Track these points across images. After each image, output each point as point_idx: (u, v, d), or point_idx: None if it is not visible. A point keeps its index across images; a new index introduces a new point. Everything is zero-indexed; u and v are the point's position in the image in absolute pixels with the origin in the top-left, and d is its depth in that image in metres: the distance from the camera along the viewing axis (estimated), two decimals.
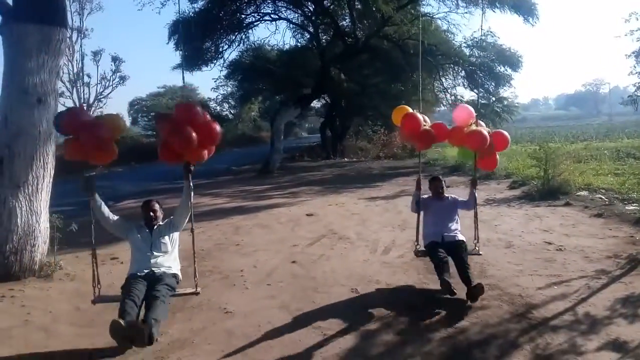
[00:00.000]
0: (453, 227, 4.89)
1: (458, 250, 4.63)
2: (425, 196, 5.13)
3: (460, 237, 4.85)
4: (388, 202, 10.25)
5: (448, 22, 21.44)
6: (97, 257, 4.32)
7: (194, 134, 3.81)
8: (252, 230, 8.06)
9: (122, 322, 3.42)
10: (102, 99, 30.30)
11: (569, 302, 4.26)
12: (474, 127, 4.67)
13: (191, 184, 4.22)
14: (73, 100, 29.59)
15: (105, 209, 4.38)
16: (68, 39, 25.17)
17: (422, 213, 5.02)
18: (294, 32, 25.02)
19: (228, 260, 6.20)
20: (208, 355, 3.58)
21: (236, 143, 40.09)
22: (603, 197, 9.05)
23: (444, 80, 23.11)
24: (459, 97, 23.78)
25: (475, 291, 4.22)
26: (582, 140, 24.07)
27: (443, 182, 5.21)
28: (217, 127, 4.12)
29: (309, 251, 6.49)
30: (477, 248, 4.95)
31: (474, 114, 4.82)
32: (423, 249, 4.90)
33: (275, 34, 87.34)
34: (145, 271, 4.10)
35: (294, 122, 45.78)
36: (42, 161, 5.68)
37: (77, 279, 5.58)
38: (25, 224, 5.49)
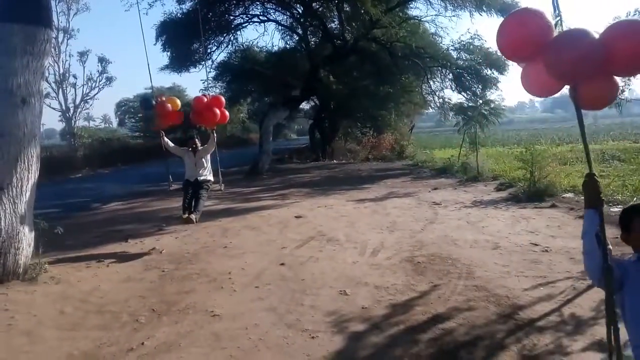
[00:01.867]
0: None
1: None
2: (618, 255, 2.75)
3: None
4: (377, 204, 10.27)
5: (436, 25, 21.69)
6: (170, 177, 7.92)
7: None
8: (240, 232, 8.02)
9: (183, 215, 7.21)
10: (89, 100, 30.02)
11: (554, 303, 4.30)
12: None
13: (215, 135, 7.65)
14: (59, 101, 29.31)
15: (172, 145, 7.86)
16: (53, 40, 24.91)
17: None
18: (282, 33, 25.12)
19: (216, 262, 6.16)
20: (195, 358, 3.55)
21: (225, 145, 39.88)
22: None
23: (432, 82, 23.24)
24: (446, 99, 23.95)
25: None
26: (568, 143, 24.38)
27: None
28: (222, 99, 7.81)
29: (297, 253, 6.48)
30: None
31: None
32: None
33: (264, 35, 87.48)
34: (193, 178, 7.53)
35: (283, 124, 45.65)
36: (26, 163, 5.59)
37: (62, 282, 5.50)
38: (9, 227, 5.40)
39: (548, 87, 2.40)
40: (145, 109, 8.38)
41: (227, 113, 7.72)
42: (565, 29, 2.26)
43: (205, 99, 7.58)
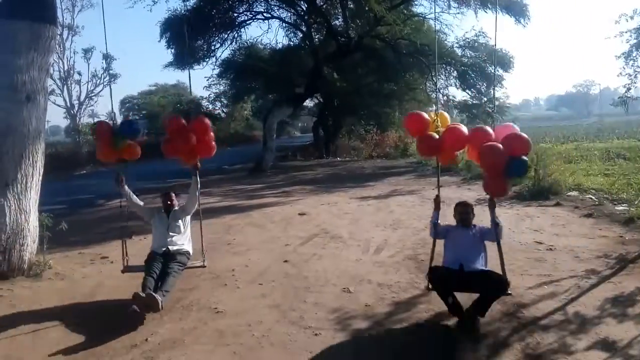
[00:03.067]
0: (477, 259, 4.06)
1: (482, 281, 3.83)
2: (447, 224, 4.43)
3: (485, 268, 4.05)
4: (380, 202, 10.26)
5: (440, 22, 21.51)
6: (125, 241, 5.09)
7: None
8: (244, 229, 8.03)
9: (141, 293, 4.21)
10: (93, 97, 30.05)
11: (559, 302, 4.29)
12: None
13: (198, 179, 5.19)
14: (64, 98, 29.36)
15: (134, 198, 5.31)
16: (58, 36, 24.96)
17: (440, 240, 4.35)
18: (286, 31, 25.03)
19: (219, 259, 6.17)
20: (198, 355, 3.57)
21: (228, 142, 39.95)
22: (593, 198, 9.12)
23: (436, 80, 23.18)
24: (451, 97, 23.90)
25: (473, 320, 3.75)
26: (573, 141, 24.26)
27: (471, 208, 4.35)
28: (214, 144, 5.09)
29: (301, 250, 6.48)
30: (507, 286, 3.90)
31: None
32: (432, 283, 4.11)
33: (268, 32, 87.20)
34: (163, 249, 4.93)
35: (287, 121, 45.72)
36: (31, 159, 5.62)
37: (67, 278, 5.53)
38: (14, 223, 5.43)
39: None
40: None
41: (213, 142, 5.08)
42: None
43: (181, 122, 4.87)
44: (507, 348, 3.48)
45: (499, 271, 3.97)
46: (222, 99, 39.22)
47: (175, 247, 4.96)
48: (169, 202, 5.29)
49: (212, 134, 5.04)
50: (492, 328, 3.82)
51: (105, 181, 17.42)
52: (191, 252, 5.17)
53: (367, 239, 6.92)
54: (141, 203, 5.39)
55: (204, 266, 5.11)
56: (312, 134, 30.66)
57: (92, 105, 31.32)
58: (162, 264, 4.74)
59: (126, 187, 5.16)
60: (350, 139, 28.48)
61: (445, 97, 23.90)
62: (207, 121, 5.04)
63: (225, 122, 42.97)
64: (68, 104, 29.71)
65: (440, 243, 4.37)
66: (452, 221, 4.45)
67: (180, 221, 5.19)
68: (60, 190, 14.25)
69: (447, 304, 3.87)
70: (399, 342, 3.67)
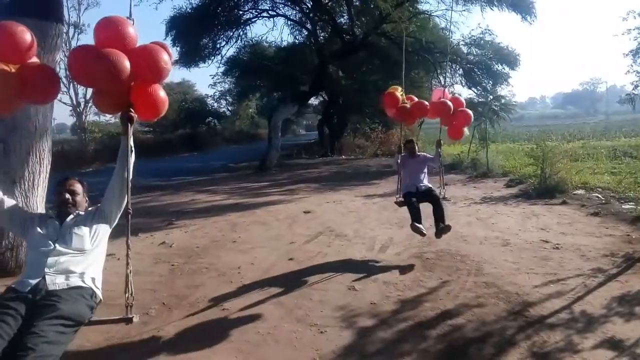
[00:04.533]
0: (424, 178, 6.10)
1: (431, 193, 5.88)
2: (402, 154, 6.21)
3: (430, 185, 6.07)
4: (385, 200, 10.24)
5: (446, 19, 21.40)
6: None
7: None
8: (249, 227, 8.04)
9: None
10: None
11: (565, 300, 4.27)
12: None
13: (131, 143, 3.03)
14: (70, 96, 29.49)
15: None
16: (64, 34, 25.07)
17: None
18: (291, 28, 25.02)
19: (225, 257, 6.18)
20: (203, 352, 3.57)
21: (234, 140, 40.07)
22: (600, 196, 9.07)
23: (441, 78, 23.07)
24: (456, 94, 23.76)
25: (442, 229, 5.60)
26: (579, 139, 24.12)
27: (415, 143, 6.52)
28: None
29: (306, 248, 6.48)
30: (443, 192, 6.18)
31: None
32: (402, 199, 5.96)
33: (273, 30, 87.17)
34: (32, 282, 2.51)
35: (292, 119, 45.72)
36: (38, 156, 5.64)
37: None
38: None
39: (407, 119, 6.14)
40: None
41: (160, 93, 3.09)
42: None
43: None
44: (514, 346, 3.46)
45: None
46: (227, 97, 39.37)
47: (62, 280, 2.60)
48: (67, 196, 3.04)
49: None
50: (498, 326, 3.81)
51: (106, 179, 17.54)
52: (100, 292, 2.89)
53: (372, 237, 6.92)
54: (11, 202, 3.01)
55: (129, 319, 2.97)
56: (317, 132, 30.66)
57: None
58: (22, 323, 2.30)
59: None
60: (355, 137, 28.47)
61: (450, 95, 23.81)
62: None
63: (230, 120, 43.08)
64: (74, 101, 29.84)
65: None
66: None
67: (84, 230, 2.93)
68: None
69: (411, 210, 5.74)
70: (404, 340, 3.66)
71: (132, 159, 3.03)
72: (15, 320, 2.27)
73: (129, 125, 2.93)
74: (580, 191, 9.77)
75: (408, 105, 5.80)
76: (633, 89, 10.65)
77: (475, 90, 22.32)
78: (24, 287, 2.49)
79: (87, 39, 48.00)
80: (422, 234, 5.66)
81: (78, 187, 3.12)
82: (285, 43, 26.42)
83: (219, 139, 39.25)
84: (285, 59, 24.35)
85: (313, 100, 31.50)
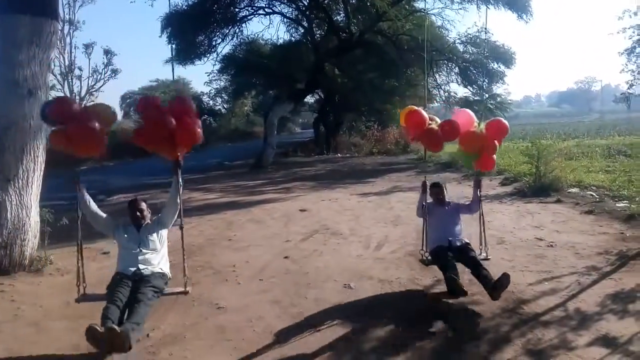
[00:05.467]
0: (458, 232, 4.76)
1: (467, 251, 4.48)
2: (429, 201, 4.89)
3: (467, 240, 4.72)
4: (381, 198, 10.27)
5: (442, 18, 21.51)
6: (83, 253, 4.03)
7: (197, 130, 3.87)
8: (244, 225, 8.04)
9: (98, 327, 3.22)
10: (94, 92, 29.98)
11: (559, 298, 4.29)
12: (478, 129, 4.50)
13: (180, 180, 4.10)
14: (64, 93, 29.25)
15: (93, 205, 4.24)
16: (59, 31, 24.88)
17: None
18: (288, 26, 25.00)
19: (220, 255, 6.18)
20: (199, 351, 3.57)
21: (229, 138, 39.95)
22: (594, 194, 9.12)
23: (437, 76, 23.14)
24: (452, 93, 23.84)
25: (498, 285, 3.92)
26: (574, 138, 24.21)
27: (444, 188, 5.03)
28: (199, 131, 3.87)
29: (301, 246, 6.49)
30: (485, 253, 4.72)
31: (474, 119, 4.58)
32: (428, 256, 4.57)
33: (269, 28, 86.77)
34: (132, 269, 3.91)
35: (288, 118, 45.63)
36: (32, 154, 5.62)
37: (68, 274, 5.54)
38: (15, 218, 5.44)
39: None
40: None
41: (199, 128, 3.88)
42: None
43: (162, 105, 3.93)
44: (508, 344, 3.49)
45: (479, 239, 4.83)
46: (222, 95, 39.23)
47: (148, 268, 3.96)
48: (137, 213, 4.23)
49: (196, 119, 3.92)
50: (493, 324, 3.83)
51: (105, 177, 17.48)
52: (169, 273, 4.18)
53: (368, 235, 6.93)
54: (102, 214, 4.25)
55: (186, 292, 4.02)
56: (313, 130, 30.63)
57: (92, 101, 31.18)
58: (131, 290, 3.76)
59: (84, 191, 4.21)
60: (351, 135, 28.47)
61: (446, 94, 23.86)
62: (190, 101, 4.03)
63: (225, 118, 42.95)
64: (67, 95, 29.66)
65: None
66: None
67: (154, 235, 4.16)
68: (61, 185, 14.22)
69: (449, 280, 4.11)
70: (399, 337, 3.67)
71: (181, 189, 4.18)
72: (127, 289, 3.78)
73: (179, 169, 4.06)
74: (575, 189, 9.81)
75: (435, 127, 4.38)
76: (628, 88, 10.72)
77: (471, 89, 22.41)
78: (127, 272, 3.93)
79: (82, 35, 47.60)
80: (463, 292, 4.02)
81: (143, 205, 4.35)
82: (281, 41, 26.34)
83: (214, 137, 39.12)
84: (281, 57, 24.28)
85: (309, 98, 31.47)
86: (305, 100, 29.50)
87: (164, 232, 4.27)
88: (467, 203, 5.07)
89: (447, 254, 4.42)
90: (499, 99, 22.81)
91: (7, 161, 5.43)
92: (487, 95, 22.30)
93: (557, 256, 5.56)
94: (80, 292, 3.94)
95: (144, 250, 4.06)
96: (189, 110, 3.88)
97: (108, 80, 29.93)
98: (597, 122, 39.26)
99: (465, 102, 22.92)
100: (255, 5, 21.96)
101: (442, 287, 4.69)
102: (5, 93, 5.48)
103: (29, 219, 5.60)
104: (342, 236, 6.97)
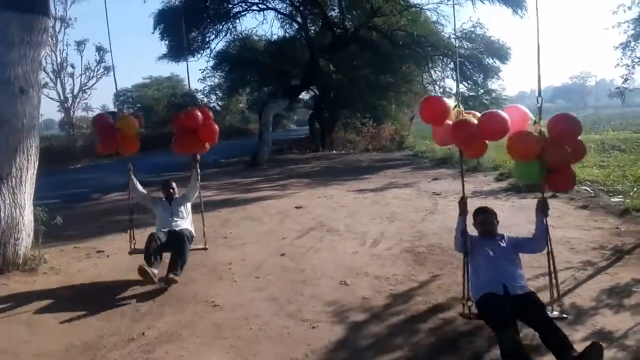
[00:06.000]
0: (519, 276, 3.53)
1: (535, 305, 3.22)
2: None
3: (529, 289, 3.48)
4: (377, 195, 10.26)
5: (437, 13, 21.40)
6: (132, 231, 5.38)
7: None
8: (240, 222, 8.02)
9: (146, 267, 4.66)
10: (87, 90, 29.77)
11: (555, 293, 4.29)
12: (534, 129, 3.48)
13: (198, 170, 5.48)
14: (57, 91, 29.08)
15: (140, 188, 5.68)
16: (51, 29, 24.67)
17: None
18: (282, 22, 24.85)
19: (216, 253, 6.15)
20: (196, 349, 3.56)
21: (224, 135, 39.74)
22: (588, 189, 9.14)
23: (432, 72, 23.11)
24: (447, 89, 23.83)
25: (589, 356, 2.76)
26: None
27: (494, 216, 3.88)
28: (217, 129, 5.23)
29: (297, 244, 6.48)
30: (558, 309, 3.54)
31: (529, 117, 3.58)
32: (473, 308, 3.47)
33: (263, 24, 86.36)
34: (167, 228, 5.28)
35: (283, 114, 45.50)
36: (25, 153, 5.57)
37: (62, 273, 5.51)
38: (9, 217, 5.39)
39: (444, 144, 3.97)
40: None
41: (216, 127, 5.19)
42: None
43: (192, 116, 4.98)
44: None
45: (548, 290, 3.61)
46: (217, 92, 39.01)
47: (179, 229, 5.31)
48: (170, 190, 5.68)
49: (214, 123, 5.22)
50: None
51: (100, 175, 17.39)
52: (194, 234, 5.50)
53: (363, 232, 6.92)
54: (146, 193, 5.76)
55: (205, 248, 5.46)
56: (308, 126, 30.58)
57: (85, 99, 31.00)
58: (168, 239, 5.13)
59: (134, 177, 5.52)
60: (347, 131, 28.45)
61: (441, 89, 23.86)
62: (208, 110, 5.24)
63: (220, 115, 42.77)
64: (62, 97, 29.44)
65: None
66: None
67: (182, 207, 5.57)
68: (54, 184, 14.17)
69: (506, 341, 2.99)
70: (396, 334, 3.67)
71: (198, 176, 5.50)
72: (162, 240, 5.06)
73: (197, 162, 5.45)
74: None
75: (474, 121, 3.43)
76: (623, 83, 10.73)
77: (466, 84, 22.37)
78: (159, 233, 5.18)
79: (74, 33, 47.25)
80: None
81: (173, 185, 5.73)
82: (275, 37, 26.27)
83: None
84: (275, 53, 24.19)
85: (304, 95, 31.35)
86: (300, 96, 29.40)
87: (189, 205, 5.65)
88: (528, 237, 3.89)
89: (503, 305, 3.21)
90: (494, 94, 22.83)
91: (0, 160, 5.38)
92: (482, 91, 22.33)
93: (553, 251, 5.56)
94: (131, 247, 5.29)
95: (175, 218, 5.43)
96: (209, 116, 5.12)
97: (101, 77, 29.68)
98: (592, 117, 39.37)
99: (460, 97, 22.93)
100: (249, 1, 21.86)
101: (438, 282, 4.69)
102: None
103: (23, 217, 5.56)
104: (338, 233, 6.96)
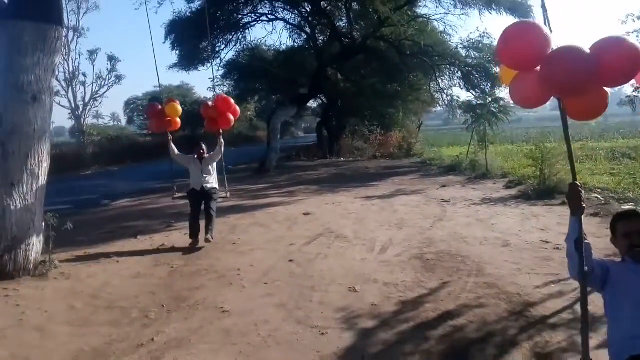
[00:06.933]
0: None
1: None
2: (607, 259, 2.84)
3: None
4: (384, 202, 10.23)
5: (445, 23, 21.47)
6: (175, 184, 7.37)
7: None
8: (248, 229, 8.03)
9: (192, 239, 6.81)
10: (98, 98, 30.11)
11: (567, 301, 4.25)
12: None
13: (222, 141, 7.20)
14: (68, 99, 29.45)
15: (177, 152, 7.30)
16: (64, 38, 25.02)
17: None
18: (290, 32, 25.09)
19: (224, 259, 6.16)
20: (204, 355, 3.55)
21: (233, 142, 39.97)
22: (599, 197, 9.06)
23: (440, 81, 23.10)
24: (455, 97, 23.80)
25: None
26: (578, 141, 24.14)
27: None
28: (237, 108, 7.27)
29: (306, 250, 6.47)
30: None
31: None
32: None
33: (272, 34, 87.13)
34: (198, 187, 6.99)
35: (291, 122, 45.70)
36: (37, 159, 5.63)
37: (73, 278, 5.53)
38: (20, 222, 5.44)
39: (536, 99, 2.49)
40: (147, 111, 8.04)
41: (237, 109, 7.29)
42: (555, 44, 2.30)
43: (211, 105, 7.19)
44: (516, 347, 3.45)
45: None
46: None
47: (208, 185, 7.02)
48: (201, 151, 7.19)
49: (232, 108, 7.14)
50: (500, 327, 3.80)
51: (109, 182, 17.53)
52: (218, 187, 7.25)
53: (372, 239, 6.90)
54: (181, 154, 7.35)
55: (227, 197, 7.57)
56: (316, 134, 30.64)
57: (96, 107, 31.36)
58: (200, 202, 6.94)
59: (172, 145, 7.16)
60: (354, 139, 28.47)
61: (449, 98, 23.84)
62: (229, 99, 7.24)
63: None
64: (73, 105, 29.81)
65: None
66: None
67: (210, 166, 7.14)
68: (65, 190, 14.30)
69: None
70: (406, 341, 3.64)
71: (223, 147, 7.21)
72: (200, 201, 6.98)
73: (221, 135, 7.20)
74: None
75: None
76: (633, 91, 10.65)
77: (474, 93, 22.29)
78: (197, 187, 7.00)
79: (87, 42, 47.84)
80: None
81: (204, 147, 7.28)
82: (284, 47, 26.43)
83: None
84: (284, 63, 24.35)
85: (312, 103, 31.50)
86: (309, 104, 29.54)
87: (214, 165, 7.24)
88: None
89: None
90: (501, 102, 22.73)
91: (12, 166, 5.44)
92: (490, 99, 22.24)
93: (564, 259, 5.48)
94: (174, 195, 7.41)
95: (205, 175, 7.06)
96: (229, 105, 7.12)
97: (112, 86, 30.09)
98: (601, 125, 39.09)
99: (468, 106, 22.90)
100: (259, 11, 22.08)
101: (448, 289, 4.66)
102: (9, 99, 5.49)
103: (34, 223, 5.61)
104: (347, 239, 6.95)
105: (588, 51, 2.17)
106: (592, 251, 2.50)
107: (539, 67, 2.28)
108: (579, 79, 2.16)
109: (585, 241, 2.41)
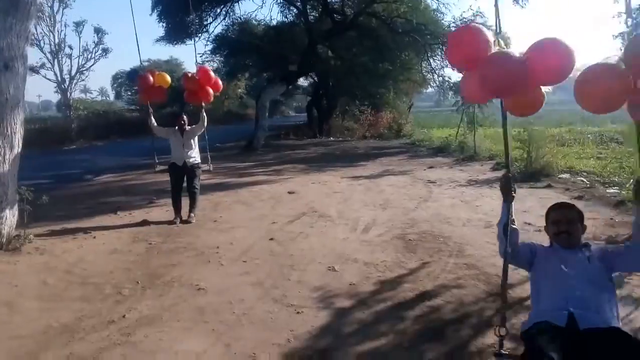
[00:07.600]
0: (602, 303, 2.36)
1: (620, 347, 2.08)
2: (538, 243, 3.00)
3: (617, 324, 2.32)
4: (371, 182, 10.17)
5: (438, 1, 21.14)
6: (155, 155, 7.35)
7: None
8: (231, 206, 7.92)
9: (176, 220, 6.72)
10: (84, 72, 29.37)
11: None
12: None
13: (205, 114, 6.99)
14: (54, 72, 28.71)
15: (157, 126, 7.09)
16: (48, 8, 24.22)
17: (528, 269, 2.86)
18: (281, 6, 24.52)
19: (204, 236, 6.07)
20: (176, 332, 3.47)
21: (222, 120, 39.58)
22: (585, 180, 9.07)
23: (432, 60, 22.85)
24: (446, 78, 23.60)
25: None
26: (568, 124, 24.20)
27: (578, 215, 2.85)
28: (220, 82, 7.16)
29: (288, 229, 6.39)
30: None
31: None
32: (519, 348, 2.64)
33: (262, 8, 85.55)
34: (179, 162, 6.79)
35: (281, 100, 45.30)
36: (9, 130, 5.44)
37: (47, 253, 5.41)
38: None
39: (479, 97, 2.91)
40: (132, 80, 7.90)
41: (219, 82, 7.13)
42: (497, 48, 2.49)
43: (191, 75, 6.95)
44: (491, 328, 3.40)
45: None
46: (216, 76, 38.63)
47: (190, 160, 6.83)
48: (182, 122, 6.96)
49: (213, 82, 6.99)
50: (476, 308, 3.77)
51: (93, 157, 17.25)
52: (200, 161, 7.02)
53: (355, 218, 6.83)
54: (162, 128, 7.15)
55: (210, 170, 7.55)
56: (306, 113, 30.39)
57: (83, 80, 30.59)
58: (183, 180, 6.87)
59: (152, 118, 7.00)
60: (344, 119, 28.29)
61: (440, 78, 23.64)
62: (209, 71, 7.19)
63: (218, 100, 42.49)
64: (59, 78, 29.06)
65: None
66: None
67: (192, 140, 6.93)
68: (47, 164, 14.05)
69: None
70: (381, 321, 3.60)
71: (205, 120, 7.03)
72: (182, 177, 6.86)
73: (203, 108, 7.04)
74: (566, 175, 9.77)
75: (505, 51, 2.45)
76: None
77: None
78: (179, 162, 6.81)
79: (73, 14, 46.64)
80: None
81: (185, 118, 7.03)
82: (274, 21, 25.97)
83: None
84: (274, 38, 23.90)
85: (303, 82, 31.19)
86: (299, 83, 29.23)
87: (196, 138, 7.02)
88: (623, 246, 2.94)
89: (554, 340, 2.14)
90: None
91: None
92: None
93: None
94: (156, 168, 7.38)
95: (186, 149, 6.82)
96: (210, 78, 6.96)
97: (99, 59, 29.29)
98: None
99: (459, 87, 22.74)
100: None
101: (427, 270, 4.61)
102: None
103: (7, 196, 5.45)
104: (330, 219, 6.88)
105: (518, 55, 2.36)
106: (520, 235, 2.92)
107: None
108: (509, 82, 2.33)
109: (513, 226, 2.74)
